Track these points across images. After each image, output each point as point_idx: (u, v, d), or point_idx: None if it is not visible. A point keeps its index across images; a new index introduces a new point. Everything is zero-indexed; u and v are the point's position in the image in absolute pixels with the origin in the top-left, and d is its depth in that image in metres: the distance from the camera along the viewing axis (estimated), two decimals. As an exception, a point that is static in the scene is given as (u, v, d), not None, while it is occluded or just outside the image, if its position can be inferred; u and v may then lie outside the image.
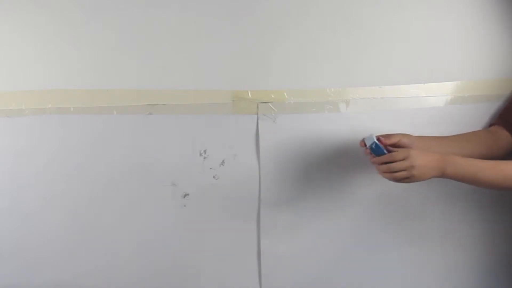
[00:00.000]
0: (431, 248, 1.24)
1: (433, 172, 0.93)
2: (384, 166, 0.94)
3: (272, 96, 1.14)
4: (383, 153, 0.96)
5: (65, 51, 1.08)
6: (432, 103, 1.20)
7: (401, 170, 0.92)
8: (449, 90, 1.21)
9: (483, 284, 1.26)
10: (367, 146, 0.97)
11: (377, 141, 0.96)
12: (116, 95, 1.09)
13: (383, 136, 0.98)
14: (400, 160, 0.92)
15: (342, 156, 1.17)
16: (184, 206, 1.14)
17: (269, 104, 1.14)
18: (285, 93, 1.14)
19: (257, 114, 1.14)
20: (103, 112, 1.08)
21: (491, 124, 1.20)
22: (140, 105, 1.10)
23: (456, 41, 1.21)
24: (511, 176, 0.95)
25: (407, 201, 1.21)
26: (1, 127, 1.06)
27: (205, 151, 1.13)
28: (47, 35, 1.08)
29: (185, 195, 1.14)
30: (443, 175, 0.95)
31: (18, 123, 1.06)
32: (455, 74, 1.21)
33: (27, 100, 1.06)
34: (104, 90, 1.09)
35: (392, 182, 1.11)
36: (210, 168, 1.14)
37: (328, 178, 1.18)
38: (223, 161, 1.14)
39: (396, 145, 0.99)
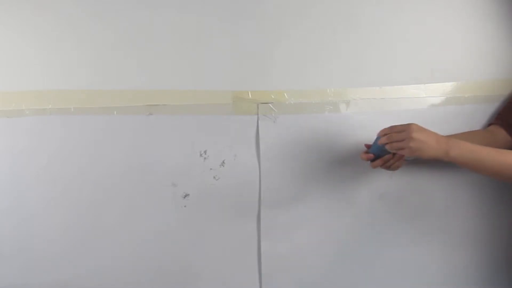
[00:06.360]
0: (432, 247, 1.24)
1: (434, 151, 0.94)
2: (385, 137, 0.97)
3: (273, 97, 1.14)
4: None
5: (65, 51, 1.08)
6: (432, 103, 1.21)
7: (398, 141, 0.95)
8: (449, 90, 1.21)
9: (485, 283, 1.27)
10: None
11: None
12: (116, 95, 1.09)
13: None
14: (399, 132, 0.95)
15: (342, 156, 1.17)
16: (185, 206, 1.14)
17: (270, 104, 1.14)
18: (285, 94, 1.14)
19: (257, 114, 1.14)
20: (103, 112, 1.08)
21: (489, 124, 1.21)
22: (141, 105, 1.10)
23: (456, 41, 1.22)
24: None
25: (407, 201, 1.22)
26: (1, 127, 1.06)
27: (205, 152, 1.13)
28: (47, 35, 1.07)
29: (186, 195, 1.14)
30: (446, 156, 0.94)
31: (18, 124, 1.06)
32: (455, 74, 1.22)
33: (27, 101, 1.06)
34: (105, 90, 1.08)
35: (392, 183, 1.13)
36: (211, 169, 1.14)
37: (329, 178, 1.18)
38: (223, 162, 1.14)
39: None
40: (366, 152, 1.06)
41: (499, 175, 0.97)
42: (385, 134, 0.98)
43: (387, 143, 0.97)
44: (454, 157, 0.94)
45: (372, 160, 1.06)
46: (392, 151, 0.98)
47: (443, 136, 0.97)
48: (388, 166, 1.07)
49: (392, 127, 0.97)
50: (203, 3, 1.11)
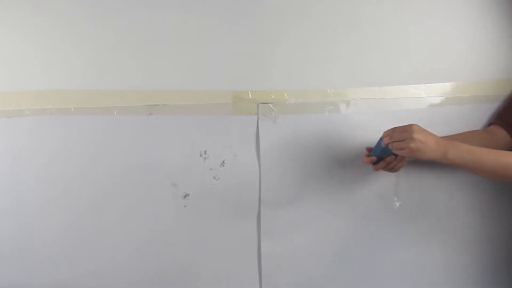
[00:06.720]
0: (432, 247, 1.24)
1: (433, 153, 0.95)
2: (387, 138, 0.98)
3: (273, 97, 1.14)
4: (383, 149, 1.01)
5: (65, 51, 1.08)
6: (432, 103, 1.21)
7: (399, 140, 0.96)
8: (449, 90, 1.21)
9: (485, 283, 1.27)
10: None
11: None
12: (116, 95, 1.09)
13: None
14: (401, 132, 0.96)
15: (342, 157, 1.17)
16: (185, 206, 1.14)
17: (270, 104, 1.14)
18: (285, 94, 1.14)
19: (257, 114, 1.14)
20: (103, 112, 1.08)
21: (489, 124, 1.21)
22: (141, 105, 1.10)
23: (456, 41, 1.21)
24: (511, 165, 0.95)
25: (407, 201, 1.22)
26: (1, 127, 1.06)
27: (205, 152, 1.13)
28: (47, 35, 1.07)
29: (186, 195, 1.14)
30: (444, 158, 0.95)
31: (18, 124, 1.06)
32: (455, 74, 1.22)
33: (27, 101, 1.06)
34: (105, 90, 1.08)
35: (392, 183, 1.13)
36: (211, 169, 1.14)
37: (329, 179, 1.18)
38: (223, 162, 1.14)
39: None
40: (368, 156, 1.07)
41: (498, 176, 0.98)
42: (387, 136, 0.99)
43: (389, 143, 0.98)
44: (452, 158, 0.95)
45: (375, 163, 1.07)
46: (393, 150, 0.99)
47: (443, 138, 0.98)
48: (391, 168, 1.07)
49: (394, 128, 0.99)
50: (203, 3, 1.11)
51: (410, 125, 0.96)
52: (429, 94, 1.20)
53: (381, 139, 1.02)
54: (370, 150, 1.09)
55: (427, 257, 1.24)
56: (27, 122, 1.06)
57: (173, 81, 1.11)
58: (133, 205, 1.12)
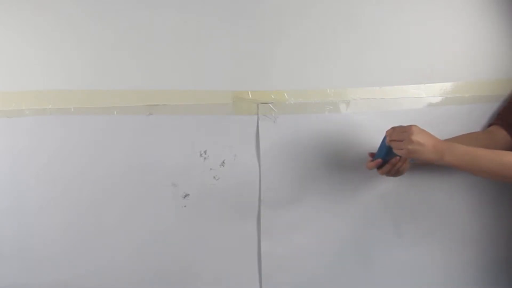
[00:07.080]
0: (432, 247, 1.24)
1: (430, 155, 0.95)
2: (388, 137, 0.99)
3: (273, 97, 1.14)
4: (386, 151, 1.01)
5: (65, 51, 1.08)
6: (432, 103, 1.21)
7: (399, 140, 0.96)
8: (449, 90, 1.21)
9: (485, 283, 1.27)
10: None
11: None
12: (116, 95, 1.09)
13: None
14: (401, 132, 0.96)
15: (342, 157, 1.17)
16: (185, 206, 1.14)
17: (270, 104, 1.14)
18: (285, 94, 1.14)
19: (257, 114, 1.14)
20: (103, 112, 1.08)
21: (489, 125, 1.21)
22: (141, 105, 1.10)
23: (456, 41, 1.22)
24: (508, 165, 0.94)
25: (407, 202, 1.22)
26: (1, 127, 1.05)
27: (205, 152, 1.13)
28: (47, 35, 1.07)
29: (186, 195, 1.14)
30: (441, 160, 0.95)
31: (18, 124, 1.06)
32: (455, 74, 1.22)
33: (27, 101, 1.06)
34: (105, 90, 1.08)
35: (392, 183, 1.13)
36: (211, 169, 1.14)
37: (329, 179, 1.18)
38: (223, 162, 1.14)
39: None
40: (372, 160, 1.06)
41: (497, 176, 0.98)
42: (388, 135, 0.99)
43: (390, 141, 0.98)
44: (449, 160, 0.95)
45: (379, 167, 1.06)
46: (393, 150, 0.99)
47: (441, 141, 0.98)
48: (396, 169, 1.06)
49: (394, 128, 0.99)
50: (203, 3, 1.12)
51: (410, 126, 0.95)
52: (429, 94, 1.20)
53: (384, 139, 1.01)
54: (372, 156, 1.08)
55: (427, 257, 1.24)
56: (27, 122, 1.06)
57: (173, 81, 1.11)
58: (133, 205, 1.12)
